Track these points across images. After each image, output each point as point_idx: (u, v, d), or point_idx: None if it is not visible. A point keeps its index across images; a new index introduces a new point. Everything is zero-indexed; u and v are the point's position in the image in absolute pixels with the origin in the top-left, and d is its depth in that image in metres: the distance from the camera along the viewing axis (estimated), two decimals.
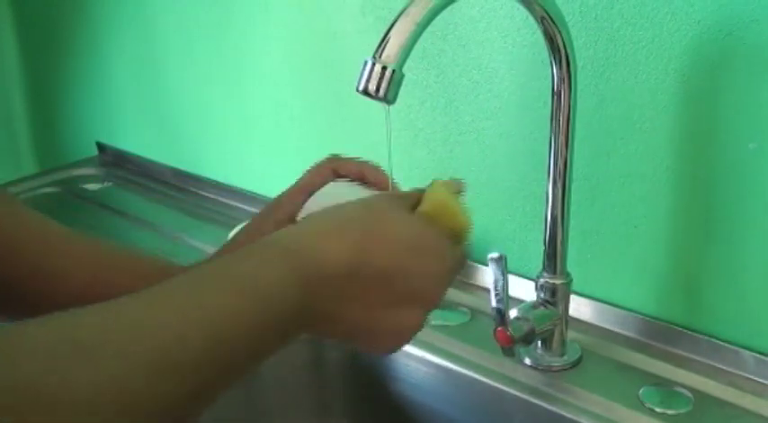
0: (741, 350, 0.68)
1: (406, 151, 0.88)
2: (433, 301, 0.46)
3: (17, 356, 0.30)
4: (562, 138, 0.64)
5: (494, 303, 0.64)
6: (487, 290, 0.64)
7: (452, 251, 0.48)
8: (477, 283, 0.85)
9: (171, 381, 0.34)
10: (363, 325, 0.44)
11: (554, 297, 0.68)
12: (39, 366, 0.30)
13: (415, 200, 0.49)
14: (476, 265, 0.85)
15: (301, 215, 0.58)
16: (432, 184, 0.50)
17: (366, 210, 0.46)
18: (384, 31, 0.51)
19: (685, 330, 0.71)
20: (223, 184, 1.14)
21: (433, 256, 0.46)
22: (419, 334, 0.47)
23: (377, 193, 0.56)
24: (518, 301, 0.71)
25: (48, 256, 0.54)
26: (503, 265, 0.63)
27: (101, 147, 1.34)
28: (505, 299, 0.64)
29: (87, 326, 0.33)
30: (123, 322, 0.34)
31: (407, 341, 0.46)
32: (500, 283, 0.63)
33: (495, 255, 0.64)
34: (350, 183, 0.59)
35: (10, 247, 0.52)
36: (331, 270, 0.41)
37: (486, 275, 0.69)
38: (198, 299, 0.37)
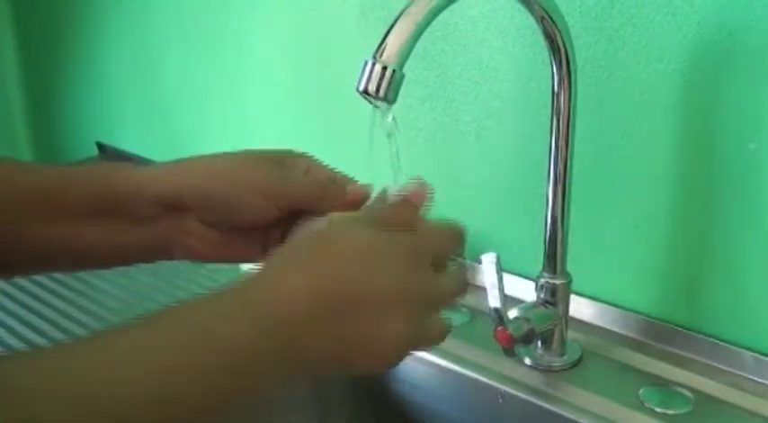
0: (741, 350, 0.68)
1: (406, 151, 0.88)
2: (411, 302, 0.42)
3: None
4: (562, 138, 0.64)
5: (492, 303, 0.64)
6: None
7: (419, 241, 0.44)
8: (478, 283, 0.84)
9: None
10: (341, 355, 0.41)
11: (554, 297, 0.69)
12: None
13: (375, 215, 0.47)
14: (475, 265, 0.84)
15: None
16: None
17: (316, 233, 0.43)
18: (384, 31, 0.51)
19: (685, 330, 0.71)
20: None
21: (391, 256, 0.42)
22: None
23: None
24: (518, 301, 0.71)
25: None
26: (497, 264, 0.64)
27: (101, 147, 1.34)
28: (502, 298, 0.64)
29: (27, 373, 0.32)
30: (63, 375, 0.33)
31: (402, 353, 0.44)
32: (496, 283, 0.64)
33: (488, 255, 0.64)
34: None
35: None
36: (289, 316, 0.39)
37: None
38: (147, 353, 0.36)
